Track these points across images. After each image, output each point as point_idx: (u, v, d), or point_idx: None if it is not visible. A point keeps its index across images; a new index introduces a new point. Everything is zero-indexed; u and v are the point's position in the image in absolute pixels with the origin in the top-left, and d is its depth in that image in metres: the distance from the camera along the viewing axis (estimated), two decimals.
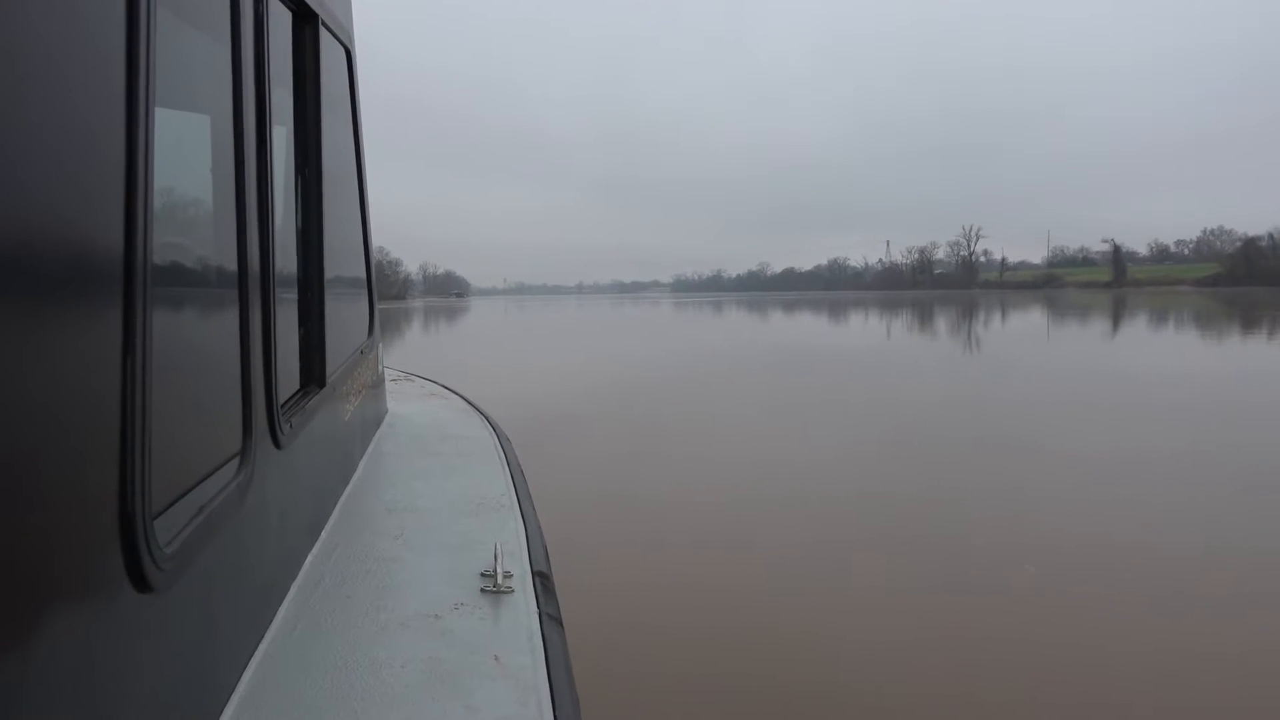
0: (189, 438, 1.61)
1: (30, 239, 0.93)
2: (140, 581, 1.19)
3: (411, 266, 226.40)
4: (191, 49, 1.75)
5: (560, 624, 2.17)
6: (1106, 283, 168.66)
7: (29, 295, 0.92)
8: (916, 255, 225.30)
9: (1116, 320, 53.49)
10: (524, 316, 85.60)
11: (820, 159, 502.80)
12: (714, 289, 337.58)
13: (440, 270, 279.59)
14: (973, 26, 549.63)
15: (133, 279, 1.17)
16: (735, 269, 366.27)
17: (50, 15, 0.97)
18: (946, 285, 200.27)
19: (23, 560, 0.91)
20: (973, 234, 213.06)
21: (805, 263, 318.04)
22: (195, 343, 1.75)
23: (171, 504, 1.40)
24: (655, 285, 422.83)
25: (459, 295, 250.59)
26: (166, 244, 1.48)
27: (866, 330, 50.51)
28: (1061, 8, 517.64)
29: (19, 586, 0.91)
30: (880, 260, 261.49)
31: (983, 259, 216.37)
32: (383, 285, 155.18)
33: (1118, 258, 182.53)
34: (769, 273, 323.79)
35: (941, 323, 55.31)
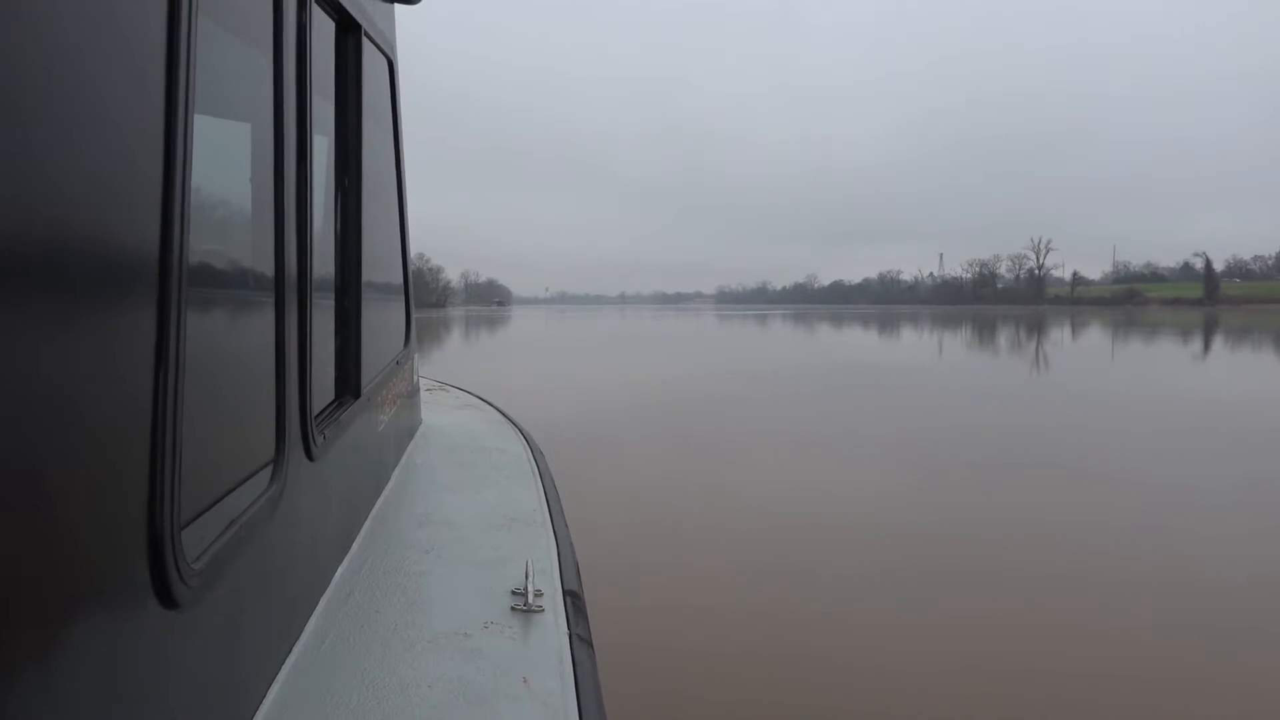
0: (221, 449, 1.61)
1: (66, 243, 0.93)
2: (167, 598, 1.18)
3: (453, 274, 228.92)
4: (234, 57, 1.77)
5: (591, 645, 2.16)
6: (1197, 300, 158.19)
7: (63, 299, 0.92)
8: (977, 268, 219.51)
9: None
10: (565, 327, 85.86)
11: (870, 169, 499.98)
12: (759, 301, 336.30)
13: (482, 279, 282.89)
14: (1033, 37, 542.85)
15: (168, 286, 1.17)
16: (781, 281, 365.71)
17: (91, 21, 0.98)
18: (1011, 300, 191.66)
19: (46, 573, 0.90)
20: (1041, 246, 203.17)
21: (854, 275, 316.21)
22: (230, 351, 1.76)
23: (199, 516, 1.39)
24: (698, 296, 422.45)
25: (500, 304, 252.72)
26: (203, 251, 1.48)
27: (975, 362, 39.69)
28: (1120, 24, 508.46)
29: (41, 601, 0.89)
30: (931, 274, 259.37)
31: (1043, 273, 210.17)
32: (422, 293, 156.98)
33: (1210, 273, 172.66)
34: (816, 285, 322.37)
35: (1055, 351, 45.54)
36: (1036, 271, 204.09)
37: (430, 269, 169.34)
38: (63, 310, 0.92)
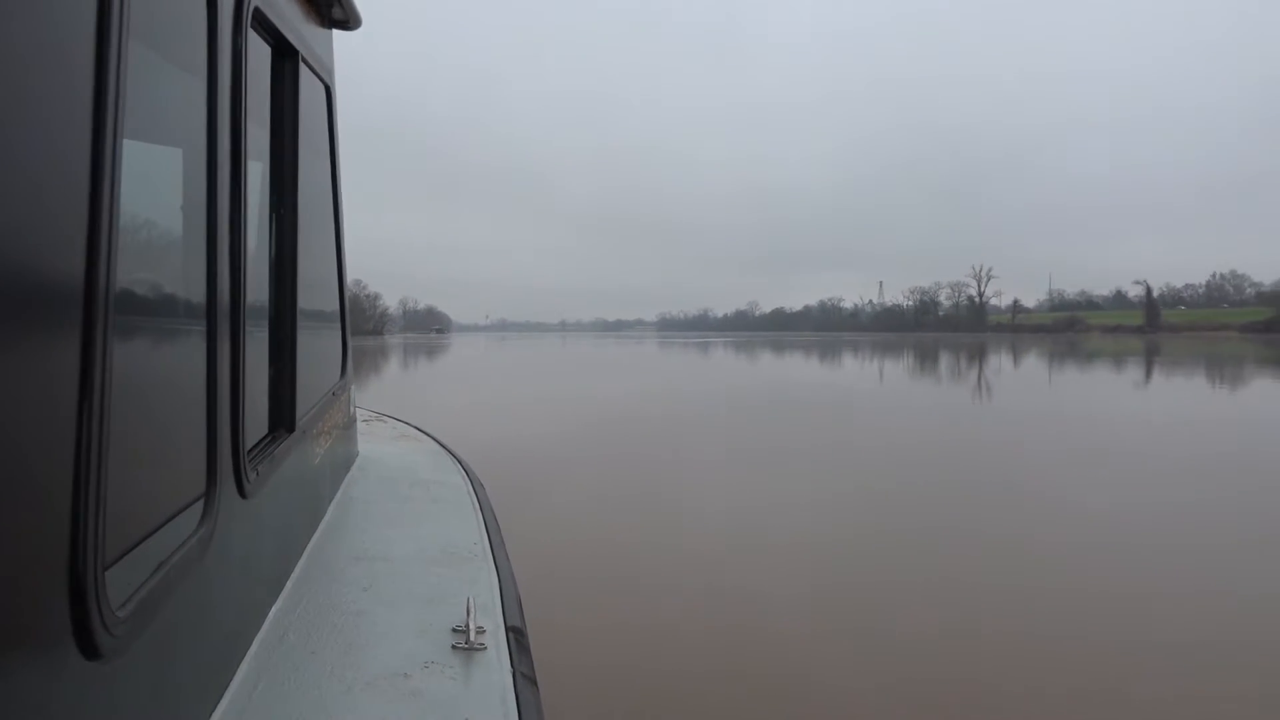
0: (148, 485, 1.57)
1: None
2: (89, 647, 1.13)
3: (391, 301, 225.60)
4: (168, 82, 1.77)
5: (535, 683, 2.14)
6: (1138, 327, 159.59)
7: None
8: (918, 296, 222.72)
9: (1216, 376, 43.58)
10: (505, 355, 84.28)
11: (811, 195, 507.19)
12: (700, 328, 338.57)
13: (421, 306, 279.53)
14: (967, 66, 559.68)
15: (93, 315, 1.14)
16: (722, 308, 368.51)
17: (14, 41, 0.96)
18: (953, 328, 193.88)
19: None
20: (983, 274, 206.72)
21: (795, 302, 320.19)
22: (160, 383, 1.71)
23: (124, 556, 1.34)
24: (639, 324, 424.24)
25: (439, 331, 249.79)
26: (131, 279, 1.48)
27: (929, 389, 38.45)
28: (1057, 54, 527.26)
29: None
30: (871, 301, 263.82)
31: (984, 301, 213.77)
32: (360, 320, 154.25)
33: (1150, 300, 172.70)
34: (758, 312, 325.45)
35: (1006, 380, 43.79)
36: (977, 299, 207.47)
37: (368, 296, 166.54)
38: None
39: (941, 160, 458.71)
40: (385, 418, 6.77)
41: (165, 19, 1.66)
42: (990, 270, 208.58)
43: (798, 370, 51.97)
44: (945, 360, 64.34)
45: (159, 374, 1.71)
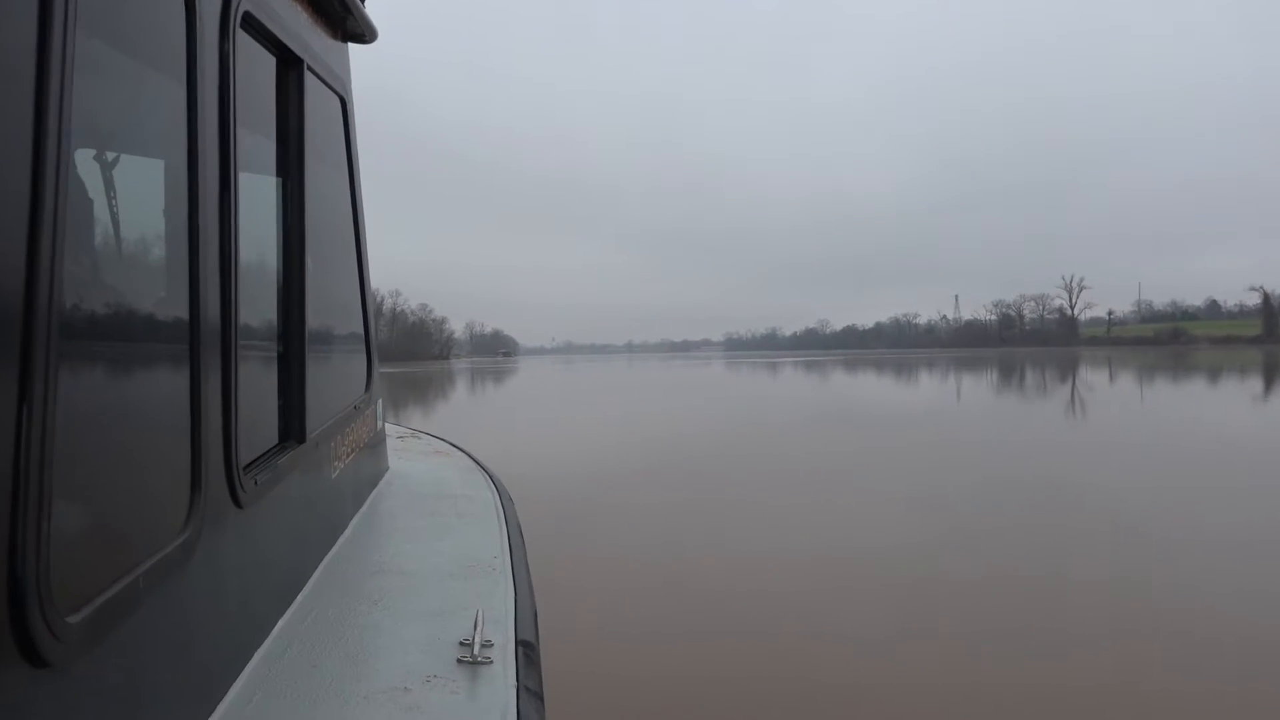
0: (118, 494, 1.55)
1: None
2: (32, 654, 1.10)
3: (457, 325, 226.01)
4: (144, 90, 1.76)
5: (540, 699, 2.13)
6: (1253, 337, 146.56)
7: None
8: (1000, 310, 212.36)
9: None
10: (574, 378, 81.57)
11: (881, 207, 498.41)
12: (768, 347, 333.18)
13: (488, 329, 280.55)
14: (1050, 72, 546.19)
15: (33, 321, 1.13)
16: (791, 326, 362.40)
17: None
18: (1041, 342, 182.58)
19: None
20: (1075, 285, 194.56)
21: (866, 319, 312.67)
22: (130, 395, 1.70)
23: (77, 562, 1.31)
24: (706, 344, 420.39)
25: (506, 355, 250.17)
26: (97, 289, 1.50)
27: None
28: (1143, 60, 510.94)
29: None
30: (945, 316, 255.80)
31: (1064, 314, 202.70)
32: (424, 344, 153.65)
33: (1268, 307, 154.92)
34: (828, 330, 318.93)
35: (1141, 402, 38.17)
36: (1070, 310, 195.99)
37: (434, 320, 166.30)
38: None
39: (1020, 169, 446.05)
40: (420, 434, 6.80)
41: (132, 17, 1.65)
42: (1082, 280, 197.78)
43: (892, 393, 47.66)
44: (1054, 377, 59.20)
45: (132, 385, 1.70)
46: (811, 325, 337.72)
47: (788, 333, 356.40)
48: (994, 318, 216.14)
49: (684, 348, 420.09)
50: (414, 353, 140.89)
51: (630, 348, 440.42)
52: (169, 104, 1.78)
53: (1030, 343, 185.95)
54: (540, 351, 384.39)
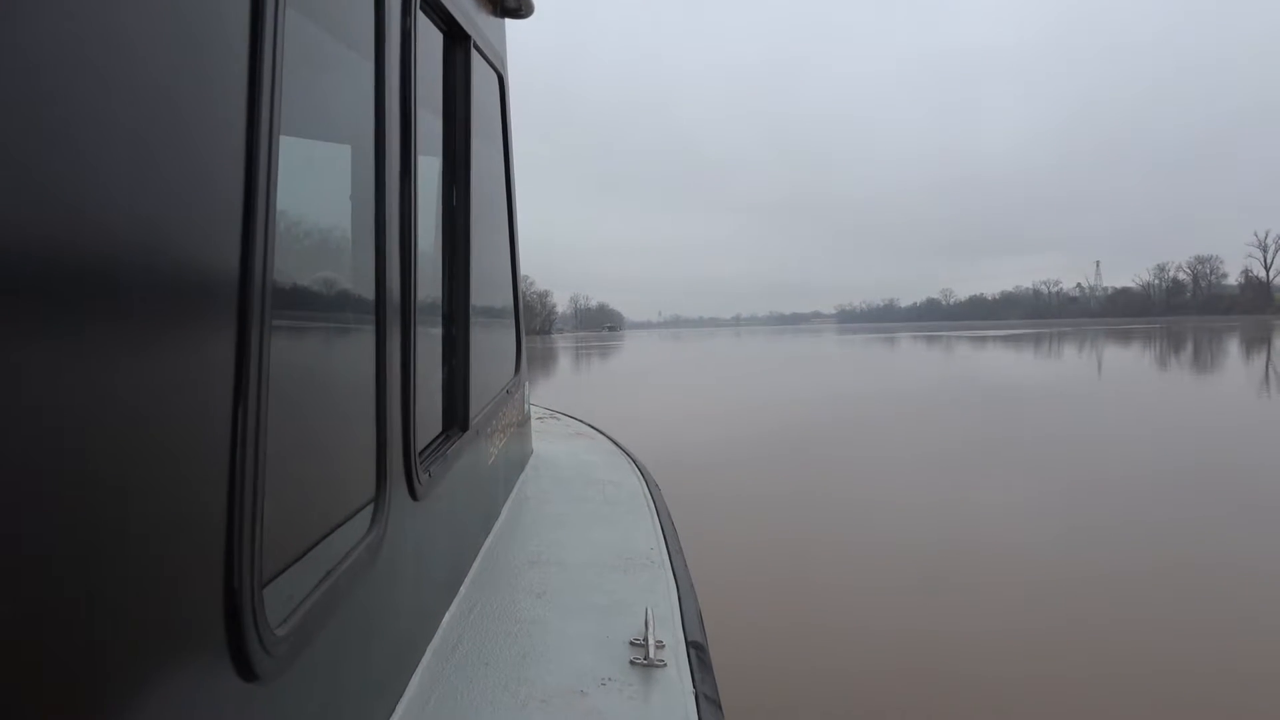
0: (314, 492, 1.55)
1: (134, 263, 0.88)
2: (245, 669, 1.10)
3: (561, 299, 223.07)
4: (335, 70, 1.76)
5: (719, 705, 2.06)
6: None
7: (125, 324, 0.86)
8: (1165, 276, 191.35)
9: None
10: (688, 358, 74.67)
11: (1007, 167, 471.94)
12: (886, 319, 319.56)
13: (593, 303, 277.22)
14: (1207, 16, 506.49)
15: (247, 315, 1.10)
16: (910, 297, 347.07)
17: (168, 25, 0.94)
18: (1224, 310, 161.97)
19: (100, 641, 0.82)
20: (1269, 242, 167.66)
21: (991, 288, 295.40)
22: (325, 384, 1.68)
23: (284, 570, 1.31)
24: (817, 316, 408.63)
25: (612, 329, 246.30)
26: (294, 278, 1.47)
27: None
28: None
29: (95, 674, 0.81)
30: (1080, 285, 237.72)
31: (1249, 278, 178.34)
32: (528, 318, 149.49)
33: None
34: (951, 300, 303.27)
35: None
36: (1266, 273, 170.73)
37: (537, 293, 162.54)
38: (125, 336, 0.86)
39: (1162, 129, 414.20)
40: (559, 415, 6.71)
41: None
42: None
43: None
44: None
45: (326, 376, 1.68)
46: (934, 295, 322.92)
47: (905, 304, 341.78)
48: (1162, 283, 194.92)
49: (794, 320, 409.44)
50: None
51: (738, 321, 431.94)
52: (358, 85, 1.76)
53: (1208, 312, 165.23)
54: (647, 326, 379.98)
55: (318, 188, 1.70)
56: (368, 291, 1.77)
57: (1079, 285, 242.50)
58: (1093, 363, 47.61)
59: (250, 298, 1.10)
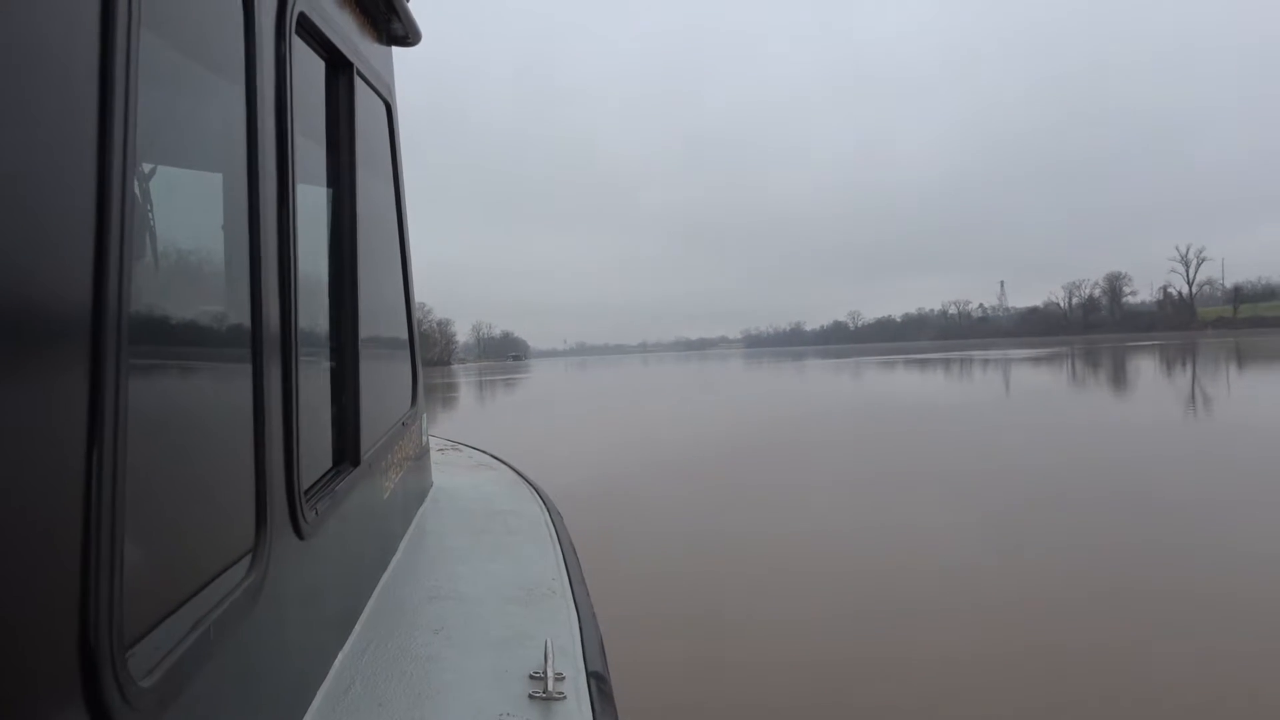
0: (187, 537, 1.48)
1: None
2: None
3: (463, 327, 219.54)
4: (201, 95, 1.71)
5: None
6: None
7: None
8: (1075, 293, 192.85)
9: None
10: (597, 383, 73.59)
11: (910, 191, 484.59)
12: (792, 344, 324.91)
13: (496, 332, 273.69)
14: (1111, 43, 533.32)
15: (101, 351, 1.04)
16: (816, 321, 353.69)
17: (12, 41, 0.90)
18: (1146, 327, 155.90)
19: None
20: (1192, 256, 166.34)
21: (895, 310, 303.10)
22: (196, 426, 1.58)
23: (155, 626, 1.25)
24: (723, 341, 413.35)
25: (516, 358, 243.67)
26: (160, 309, 1.44)
27: None
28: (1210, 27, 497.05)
29: None
30: (982, 305, 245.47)
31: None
32: (424, 349, 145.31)
33: None
34: (859, 323, 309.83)
35: None
36: (1187, 289, 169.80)
37: (436, 322, 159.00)
38: None
39: (1066, 150, 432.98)
40: (461, 446, 6.63)
41: (192, 19, 1.60)
42: (1202, 251, 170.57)
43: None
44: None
45: (197, 415, 1.59)
46: (840, 318, 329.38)
47: (812, 327, 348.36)
48: (1070, 300, 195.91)
49: (700, 345, 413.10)
50: None
51: (645, 348, 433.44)
52: (227, 110, 1.72)
53: (1126, 329, 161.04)
54: (553, 354, 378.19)
55: (185, 217, 1.64)
56: (244, 324, 1.71)
57: (981, 305, 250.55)
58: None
59: (104, 331, 1.04)
